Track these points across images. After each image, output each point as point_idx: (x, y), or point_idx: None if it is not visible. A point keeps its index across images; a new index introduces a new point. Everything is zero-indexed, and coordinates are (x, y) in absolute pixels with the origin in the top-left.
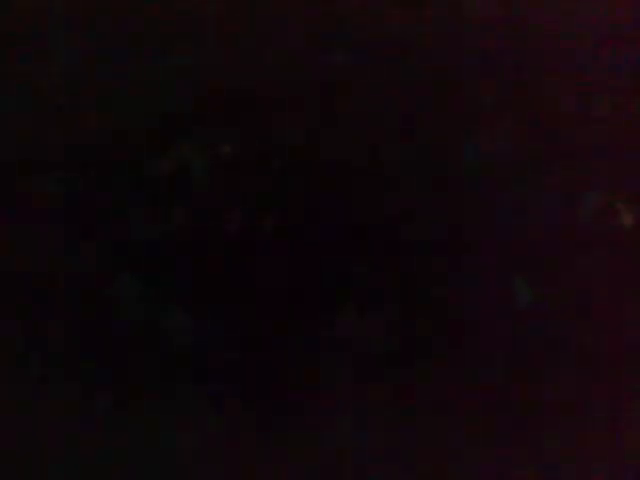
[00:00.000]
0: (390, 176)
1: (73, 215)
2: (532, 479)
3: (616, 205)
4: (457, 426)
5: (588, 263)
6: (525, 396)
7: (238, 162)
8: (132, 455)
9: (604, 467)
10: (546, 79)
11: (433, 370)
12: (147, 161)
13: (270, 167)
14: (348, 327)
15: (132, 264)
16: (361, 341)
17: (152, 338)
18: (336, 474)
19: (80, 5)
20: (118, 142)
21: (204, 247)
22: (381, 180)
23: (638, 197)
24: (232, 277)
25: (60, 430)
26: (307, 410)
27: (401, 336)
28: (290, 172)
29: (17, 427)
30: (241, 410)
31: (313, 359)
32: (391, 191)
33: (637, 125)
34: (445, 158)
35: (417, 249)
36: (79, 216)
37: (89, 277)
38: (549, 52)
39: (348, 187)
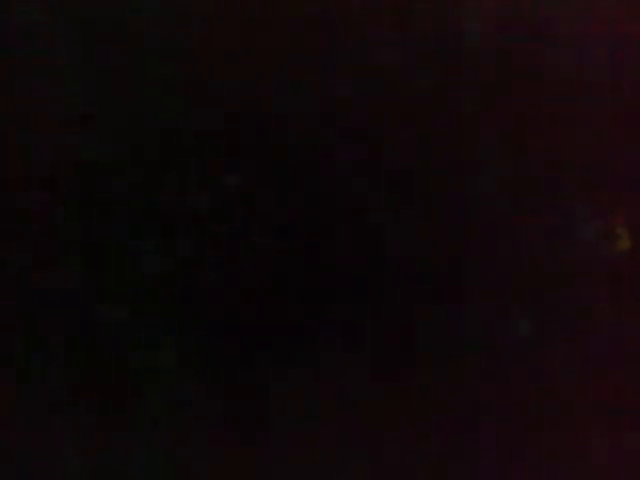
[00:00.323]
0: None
1: (62, 240)
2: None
3: (616, 230)
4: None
5: (588, 289)
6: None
7: (243, 195)
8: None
9: (603, 467)
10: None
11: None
12: (148, 190)
13: (274, 201)
14: (332, 344)
15: (126, 296)
16: (344, 357)
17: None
18: None
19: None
20: (115, 170)
21: (195, 280)
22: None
23: (634, 221)
24: (223, 307)
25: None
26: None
27: (391, 361)
28: (296, 208)
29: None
30: (222, 430)
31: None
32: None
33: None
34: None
35: (413, 277)
36: (68, 241)
37: (78, 301)
38: (555, 67)
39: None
